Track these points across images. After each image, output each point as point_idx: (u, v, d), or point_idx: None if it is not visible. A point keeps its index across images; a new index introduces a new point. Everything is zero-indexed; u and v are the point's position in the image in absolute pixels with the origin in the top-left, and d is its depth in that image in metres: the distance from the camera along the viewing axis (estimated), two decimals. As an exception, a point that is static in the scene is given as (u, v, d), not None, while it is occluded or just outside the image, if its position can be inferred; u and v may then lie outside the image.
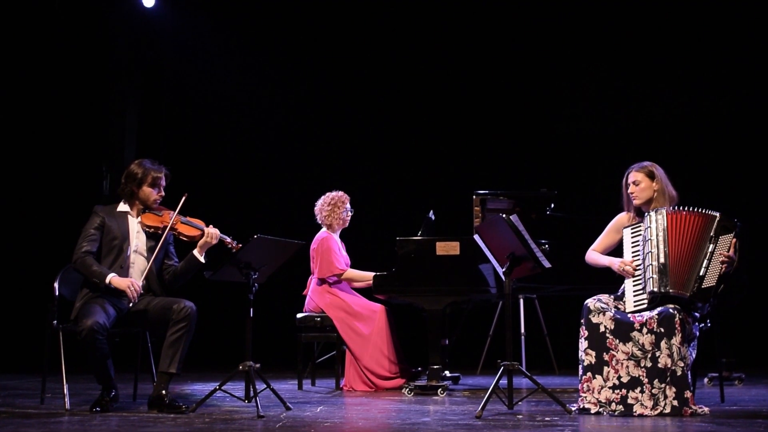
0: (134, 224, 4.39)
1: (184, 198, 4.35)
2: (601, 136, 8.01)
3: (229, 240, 4.44)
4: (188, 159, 8.40)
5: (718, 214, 4.00)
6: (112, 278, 4.18)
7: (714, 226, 3.98)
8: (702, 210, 4.02)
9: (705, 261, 3.95)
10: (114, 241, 4.31)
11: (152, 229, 4.36)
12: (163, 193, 4.43)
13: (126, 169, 4.44)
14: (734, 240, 3.96)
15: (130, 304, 4.23)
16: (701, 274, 3.94)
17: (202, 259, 4.37)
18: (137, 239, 4.38)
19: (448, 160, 8.26)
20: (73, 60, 8.00)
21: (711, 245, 3.96)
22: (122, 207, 4.41)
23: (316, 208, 5.75)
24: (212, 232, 4.37)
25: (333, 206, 5.68)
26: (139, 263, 4.37)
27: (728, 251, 3.95)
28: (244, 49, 8.59)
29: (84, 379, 5.55)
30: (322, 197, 5.75)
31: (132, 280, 4.21)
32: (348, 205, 5.74)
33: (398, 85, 8.40)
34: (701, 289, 3.93)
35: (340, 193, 5.74)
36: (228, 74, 8.64)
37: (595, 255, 4.37)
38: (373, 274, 5.44)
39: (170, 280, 4.43)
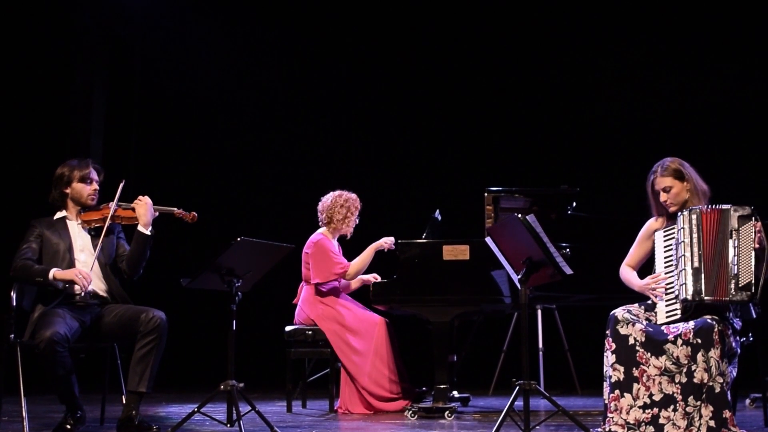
0: (74, 225, 4.51)
1: (122, 185, 4.47)
2: (628, 126, 8.02)
3: (178, 210, 4.56)
4: (162, 151, 8.38)
5: (729, 206, 4.01)
6: (55, 272, 4.28)
7: (730, 219, 4.00)
8: (717, 206, 4.03)
9: (735, 258, 3.96)
10: (58, 245, 4.41)
11: (94, 224, 4.50)
12: (96, 188, 4.56)
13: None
14: (757, 224, 3.99)
15: (82, 293, 4.30)
16: (735, 272, 3.95)
17: (147, 232, 4.48)
18: (80, 239, 4.49)
19: (456, 153, 8.27)
20: (30, 38, 7.98)
21: (735, 240, 3.98)
22: (59, 215, 4.55)
23: (323, 204, 5.71)
24: (143, 198, 4.49)
25: (348, 209, 5.66)
26: (88, 263, 4.43)
27: (755, 239, 3.97)
28: (228, 27, 8.56)
29: (45, 401, 5.56)
30: (335, 194, 5.71)
31: (77, 269, 4.30)
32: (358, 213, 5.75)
33: (399, 70, 8.40)
34: (738, 288, 3.93)
35: (356, 196, 5.73)
36: (209, 56, 8.63)
37: (627, 274, 4.33)
38: (374, 249, 5.49)
39: (127, 269, 4.51)
